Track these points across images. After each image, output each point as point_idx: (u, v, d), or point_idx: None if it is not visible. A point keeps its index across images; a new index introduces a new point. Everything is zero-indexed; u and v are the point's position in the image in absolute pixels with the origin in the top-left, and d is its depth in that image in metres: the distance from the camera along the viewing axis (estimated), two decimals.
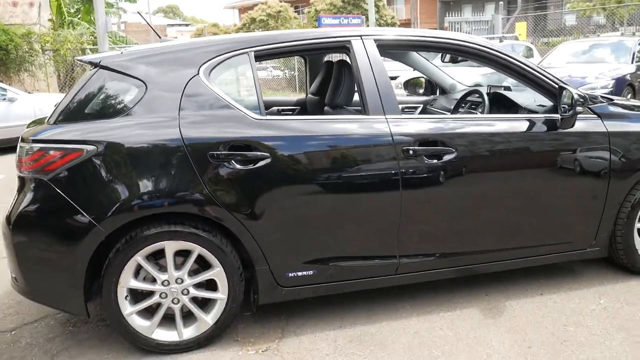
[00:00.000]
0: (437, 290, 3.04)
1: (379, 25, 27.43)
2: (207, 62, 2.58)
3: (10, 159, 8.36)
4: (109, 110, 2.50)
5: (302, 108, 4.05)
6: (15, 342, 2.79)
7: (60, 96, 10.55)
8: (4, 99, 8.90)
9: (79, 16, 14.88)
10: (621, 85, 8.24)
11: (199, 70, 2.55)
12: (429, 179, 2.64)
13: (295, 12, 35.20)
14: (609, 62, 9.34)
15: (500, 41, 12.60)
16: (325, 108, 3.15)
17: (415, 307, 2.89)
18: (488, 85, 3.60)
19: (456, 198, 2.72)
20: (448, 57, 3.99)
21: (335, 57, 6.07)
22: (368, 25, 18.39)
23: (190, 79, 2.53)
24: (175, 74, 2.54)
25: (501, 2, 21.41)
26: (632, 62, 8.93)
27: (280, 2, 33.46)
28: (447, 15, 27.53)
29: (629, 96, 8.44)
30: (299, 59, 14.85)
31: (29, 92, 10.04)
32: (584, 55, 10.00)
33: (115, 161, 2.39)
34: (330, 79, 3.22)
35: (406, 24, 33.67)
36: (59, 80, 13.23)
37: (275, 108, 4.05)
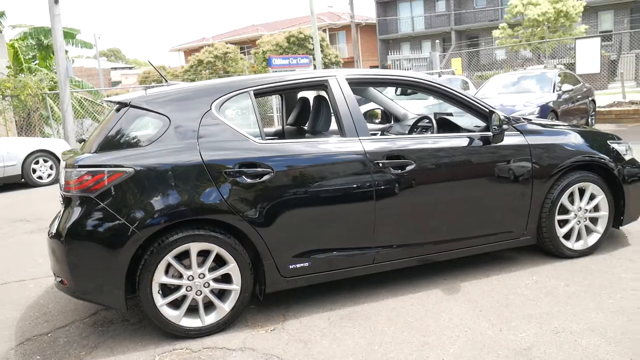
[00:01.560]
0: (406, 278, 3.73)
1: (324, 63, 28.70)
2: (217, 99, 3.24)
3: None
4: (140, 139, 3.11)
5: (280, 137, 4.73)
6: (54, 341, 3.26)
7: (24, 139, 10.83)
8: None
9: (35, 62, 15.14)
10: (545, 112, 9.37)
11: (211, 106, 3.21)
12: (396, 186, 3.36)
13: (241, 53, 36.17)
14: (534, 92, 10.53)
15: (439, 76, 13.82)
16: (307, 135, 3.86)
17: (390, 290, 3.57)
18: (434, 113, 4.40)
19: (416, 201, 3.45)
20: (399, 90, 4.81)
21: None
22: (315, 64, 19.43)
23: (205, 113, 3.18)
24: (192, 110, 3.18)
25: (437, 40, 23.04)
26: (553, 91, 10.15)
27: (227, 44, 34.37)
28: (388, 53, 29.16)
29: (533, 115, 9.57)
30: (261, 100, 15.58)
31: None
32: (513, 86, 11.20)
33: (149, 180, 2.99)
34: (306, 111, 3.94)
35: (349, 62, 35.24)
36: (17, 125, 13.40)
37: None
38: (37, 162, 9.82)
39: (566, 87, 10.42)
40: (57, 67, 11.80)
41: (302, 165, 3.22)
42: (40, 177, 9.87)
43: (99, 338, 3.25)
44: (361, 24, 37.48)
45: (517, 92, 10.68)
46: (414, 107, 5.36)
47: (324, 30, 35.41)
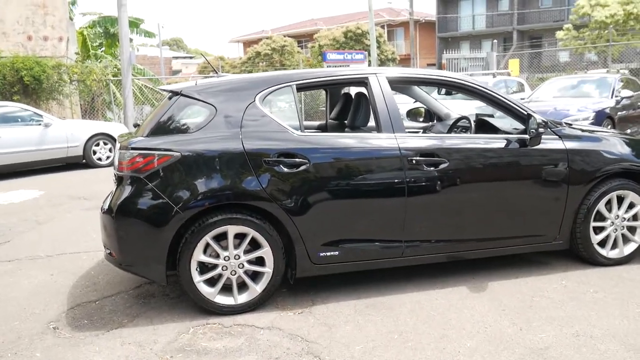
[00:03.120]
0: (433, 272, 3.82)
1: (380, 60, 28.64)
2: (261, 92, 3.43)
3: (48, 178, 9.26)
4: (188, 126, 3.34)
5: (323, 130, 4.90)
6: (101, 308, 3.55)
7: (88, 122, 11.46)
8: (40, 124, 9.77)
9: (101, 50, 15.95)
10: (601, 118, 9.11)
11: (255, 98, 3.40)
12: (428, 183, 3.45)
13: (299, 46, 36.54)
14: (592, 97, 10.24)
15: (494, 77, 13.59)
16: (346, 129, 4.00)
17: (417, 284, 3.68)
18: (476, 114, 4.44)
19: (449, 198, 3.53)
20: (442, 90, 4.87)
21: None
22: (370, 60, 19.47)
23: (249, 104, 3.37)
24: (237, 101, 3.38)
25: (495, 40, 22.59)
26: (611, 97, 9.84)
27: (284, 37, 34.82)
28: (445, 51, 28.78)
29: (609, 127, 9.31)
30: (305, 95, 15.81)
31: (61, 119, 10.92)
32: (569, 90, 10.92)
33: (194, 164, 3.21)
34: (348, 106, 4.08)
35: (406, 59, 35.00)
36: (82, 109, 14.19)
37: None
38: (97, 145, 10.39)
39: (626, 92, 10.06)
40: (121, 54, 12.41)
41: (336, 158, 3.37)
42: (99, 159, 10.44)
43: (140, 308, 3.51)
44: (420, 21, 37.11)
45: (574, 97, 10.41)
46: (464, 108, 5.40)
47: (382, 27, 35.25)
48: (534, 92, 11.45)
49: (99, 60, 14.58)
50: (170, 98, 3.48)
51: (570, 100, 10.00)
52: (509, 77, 14.86)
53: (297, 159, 3.29)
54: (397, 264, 3.59)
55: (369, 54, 20.01)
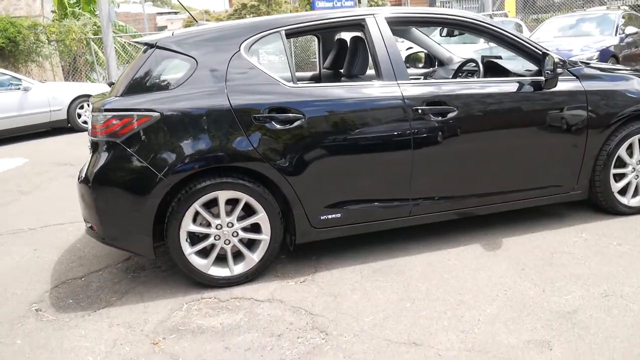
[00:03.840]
0: (444, 231, 3.55)
1: (370, 5, 27.68)
2: (246, 40, 3.05)
3: (30, 145, 8.86)
4: (167, 83, 2.98)
5: (317, 81, 4.53)
6: (87, 285, 3.29)
7: (70, 84, 10.96)
8: (19, 89, 9.29)
9: (79, 7, 15.21)
10: (605, 56, 8.72)
11: (240, 47, 3.03)
12: (435, 134, 3.13)
13: None
14: (594, 35, 9.81)
15: (491, 18, 13.04)
16: (343, 78, 3.64)
17: (426, 245, 3.41)
18: (482, 56, 4.08)
19: (458, 150, 3.22)
20: (445, 31, 4.48)
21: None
22: (360, 6, 18.73)
23: (234, 54, 3.00)
24: (220, 51, 3.01)
25: None
26: (615, 34, 9.42)
27: None
28: None
29: (585, 59, 8.92)
30: (294, 43, 15.23)
31: (41, 82, 10.42)
32: (571, 30, 10.46)
33: (176, 124, 2.87)
34: (343, 54, 3.71)
35: (397, 4, 33.88)
36: (63, 70, 13.60)
37: None
38: (81, 107, 9.93)
39: (630, 29, 9.63)
40: (100, 11, 11.77)
41: (334, 111, 3.03)
42: (85, 122, 10.00)
43: (130, 284, 3.25)
44: None
45: (575, 36, 9.97)
46: (462, 52, 5.01)
47: None
48: (534, 33, 10.98)
49: (77, 19, 13.90)
50: (145, 52, 3.10)
51: (572, 40, 9.57)
52: (506, 18, 14.28)
53: (290, 114, 2.96)
54: (405, 223, 3.31)
55: (359, 1, 19.24)
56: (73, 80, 13.39)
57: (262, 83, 3.00)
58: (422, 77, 4.66)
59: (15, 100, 9.17)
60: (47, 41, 12.48)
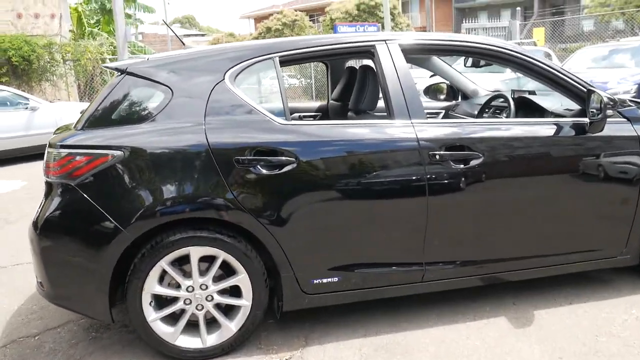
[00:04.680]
0: (463, 298, 2.98)
1: (394, 31, 27.37)
2: (232, 67, 2.58)
3: (32, 167, 8.49)
4: (136, 116, 2.51)
5: (324, 114, 4.05)
6: (39, 347, 2.79)
7: (82, 105, 10.69)
8: (26, 108, 9.02)
9: (98, 27, 15.11)
10: None
11: (224, 76, 2.55)
12: (456, 185, 2.60)
13: (310, 20, 35.35)
14: (629, 67, 9.21)
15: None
16: (349, 113, 3.14)
17: (440, 315, 2.85)
18: (512, 90, 3.54)
19: (483, 204, 2.68)
20: (470, 61, 3.97)
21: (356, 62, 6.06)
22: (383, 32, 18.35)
23: (216, 84, 2.53)
24: (201, 80, 2.54)
25: (518, 9, 21.23)
26: None
27: (295, 11, 33.65)
28: (463, 21, 27.40)
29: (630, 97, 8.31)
30: (316, 66, 14.87)
31: (50, 101, 10.16)
32: (604, 61, 9.87)
33: (142, 166, 2.40)
34: (353, 84, 3.21)
35: (422, 31, 33.63)
36: (79, 90, 13.41)
37: (297, 114, 4.04)
38: None
39: None
40: (116, 31, 11.54)
41: (333, 155, 2.52)
42: None
43: (88, 347, 2.74)
44: None
45: (609, 67, 9.37)
46: (487, 82, 4.48)
47: None
48: (565, 63, 10.39)
49: (95, 39, 13.75)
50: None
51: (606, 72, 8.97)
52: (535, 47, 13.72)
53: (281, 157, 2.46)
54: (416, 290, 2.76)
55: (383, 27, 18.90)
56: (89, 100, 13.17)
57: (249, 119, 2.51)
58: (443, 110, 4.15)
59: (21, 120, 8.90)
60: (62, 60, 12.29)
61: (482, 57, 2.94)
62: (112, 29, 15.20)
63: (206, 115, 2.47)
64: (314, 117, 4.09)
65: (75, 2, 15.26)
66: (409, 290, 2.74)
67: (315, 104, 4.24)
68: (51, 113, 9.24)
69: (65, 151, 2.41)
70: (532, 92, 3.49)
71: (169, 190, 2.40)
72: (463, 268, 2.74)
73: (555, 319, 2.76)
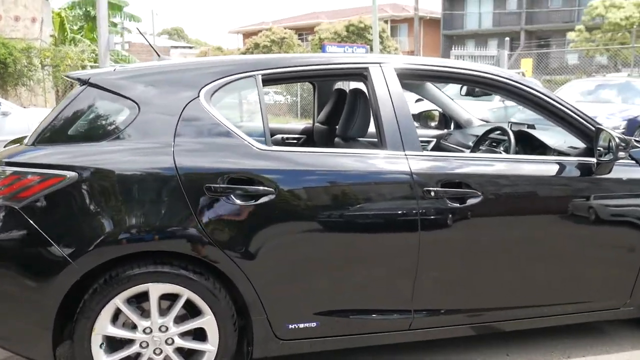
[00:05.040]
0: (451, 345, 2.71)
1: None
2: (209, 84, 2.31)
3: None
4: (96, 132, 2.23)
5: (309, 137, 3.79)
6: None
7: None
8: None
9: (81, 34, 14.75)
10: (633, 127, 8.04)
11: (199, 93, 2.28)
12: (451, 225, 2.35)
13: (299, 39, 35.38)
14: (615, 103, 9.18)
15: None
16: (336, 140, 2.89)
17: None
18: (510, 122, 3.34)
19: (479, 247, 2.43)
20: (465, 89, 3.76)
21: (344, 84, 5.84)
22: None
23: (189, 102, 2.26)
24: (172, 96, 2.27)
25: (507, 39, 21.41)
26: None
27: (285, 29, 33.64)
28: (451, 49, 27.62)
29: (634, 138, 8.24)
30: (303, 84, 14.69)
31: (24, 107, 9.78)
32: (591, 95, 9.83)
33: (99, 191, 2.11)
34: (341, 108, 2.95)
35: (409, 54, 33.84)
36: (57, 96, 13.01)
37: (279, 136, 3.79)
38: None
39: None
40: (98, 38, 11.24)
41: (317, 187, 2.26)
42: None
43: None
44: (425, 17, 35.93)
45: (597, 102, 9.32)
46: (474, 111, 4.25)
47: (386, 22, 34.02)
48: None
49: (76, 45, 13.40)
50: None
51: (595, 106, 8.89)
52: (524, 77, 13.73)
53: (258, 186, 2.19)
54: (402, 339, 2.49)
55: (371, 49, 18.88)
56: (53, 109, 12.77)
57: (224, 142, 2.24)
58: (434, 139, 3.92)
59: None
60: (40, 65, 11.90)
61: (484, 86, 2.70)
62: (95, 36, 14.86)
63: (176, 135, 2.20)
64: (298, 140, 3.83)
65: (58, 7, 14.92)
66: (395, 339, 2.48)
67: (300, 125, 3.99)
68: (23, 119, 8.85)
69: (10, 169, 2.12)
70: (532, 126, 3.28)
71: (128, 218, 2.11)
72: (455, 316, 2.48)
73: None
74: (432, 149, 3.85)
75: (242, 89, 2.54)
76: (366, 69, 2.49)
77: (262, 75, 2.38)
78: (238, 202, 2.16)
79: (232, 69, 2.37)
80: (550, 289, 2.58)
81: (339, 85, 3.77)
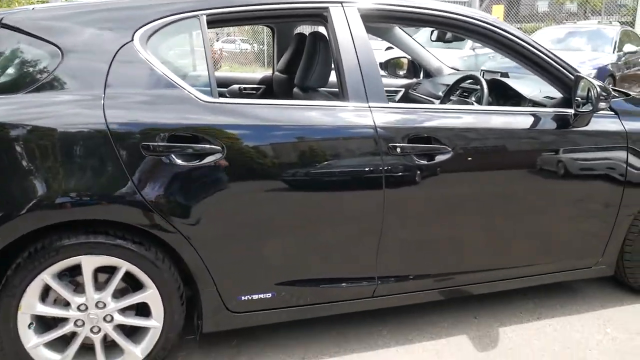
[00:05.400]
0: (420, 310, 2.57)
1: None
2: (144, 25, 2.00)
3: None
4: (10, 83, 1.91)
5: (268, 87, 3.51)
6: None
7: None
8: None
9: None
10: (602, 75, 7.91)
11: (133, 36, 1.97)
12: (419, 183, 2.14)
13: None
14: (584, 51, 9.03)
15: None
16: (295, 90, 2.62)
17: (394, 333, 2.42)
18: (482, 70, 3.12)
19: (448, 207, 2.24)
20: (436, 34, 3.50)
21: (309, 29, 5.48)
22: None
23: (121, 47, 1.95)
24: (101, 40, 1.95)
25: None
26: (613, 52, 8.62)
27: None
28: None
29: (610, 86, 8.16)
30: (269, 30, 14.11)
31: None
32: (561, 43, 9.65)
33: (15, 150, 1.81)
34: (302, 55, 2.67)
35: None
36: None
37: (236, 86, 3.49)
38: None
39: (629, 47, 8.85)
40: None
41: (271, 143, 2.01)
42: None
43: None
44: None
45: (567, 50, 9.14)
46: (443, 59, 3.99)
47: None
48: None
49: None
50: None
51: (565, 54, 8.71)
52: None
53: (203, 144, 1.93)
54: (366, 307, 2.33)
55: None
56: None
57: (163, 94, 1.95)
58: (403, 89, 3.69)
59: None
60: None
61: (457, 30, 2.42)
62: None
63: (106, 86, 1.90)
64: (257, 91, 3.54)
65: None
66: (359, 307, 2.31)
67: (259, 75, 3.69)
68: None
69: None
70: (505, 75, 3.07)
71: (54, 183, 1.83)
72: (422, 281, 2.32)
73: (522, 339, 2.40)
74: (400, 100, 3.62)
75: (184, 31, 2.23)
76: (326, 9, 2.21)
77: (207, 15, 2.07)
78: (180, 162, 1.90)
79: (173, 8, 2.05)
80: (522, 249, 2.44)
81: (301, 29, 3.46)
